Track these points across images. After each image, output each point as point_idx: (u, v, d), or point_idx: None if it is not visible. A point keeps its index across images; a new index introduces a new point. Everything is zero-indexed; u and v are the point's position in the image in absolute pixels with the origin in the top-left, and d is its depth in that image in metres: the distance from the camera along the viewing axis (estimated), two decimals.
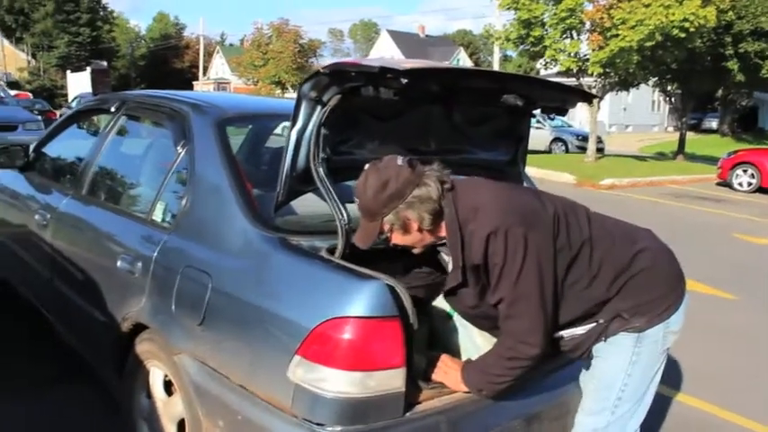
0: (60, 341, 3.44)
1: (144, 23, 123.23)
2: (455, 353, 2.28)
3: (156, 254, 2.43)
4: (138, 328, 2.50)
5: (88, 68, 32.11)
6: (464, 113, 2.57)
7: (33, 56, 50.75)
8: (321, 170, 2.12)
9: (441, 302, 2.35)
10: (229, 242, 2.21)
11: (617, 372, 1.99)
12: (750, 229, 9.91)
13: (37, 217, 3.36)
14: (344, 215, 2.08)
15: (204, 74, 52.87)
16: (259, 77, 34.19)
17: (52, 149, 3.87)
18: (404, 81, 1.89)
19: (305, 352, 1.82)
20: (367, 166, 1.97)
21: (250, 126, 3.07)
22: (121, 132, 3.24)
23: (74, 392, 3.29)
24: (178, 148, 2.64)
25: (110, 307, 2.69)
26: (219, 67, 64.16)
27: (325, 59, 43.69)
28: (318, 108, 2.12)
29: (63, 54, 49.55)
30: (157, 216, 2.61)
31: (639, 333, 1.96)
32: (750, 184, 14.87)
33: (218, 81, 56.48)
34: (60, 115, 23.41)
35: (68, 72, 35.08)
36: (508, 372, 1.92)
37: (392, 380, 1.85)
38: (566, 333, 2.00)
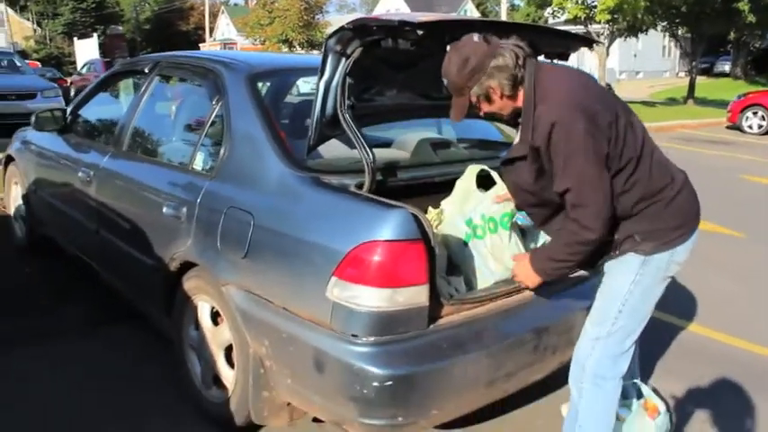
0: (105, 288, 3.75)
1: None
2: (471, 277, 2.54)
3: (199, 198, 2.69)
4: (185, 266, 2.79)
5: (95, 35, 32.13)
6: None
7: (38, 24, 50.63)
8: (347, 116, 2.38)
9: (457, 231, 2.60)
10: (268, 184, 2.47)
11: (621, 288, 2.22)
12: (758, 170, 10.06)
13: (80, 174, 3.63)
14: (370, 155, 2.33)
15: (210, 35, 52.62)
16: (266, 36, 34.05)
17: (89, 111, 4.12)
18: (419, 33, 2.12)
19: (341, 273, 2.10)
20: (449, 47, 2.11)
21: (277, 79, 3.29)
22: (157, 91, 3.48)
23: (117, 333, 3.63)
24: (213, 102, 2.89)
25: (157, 250, 2.97)
26: (225, 27, 63.71)
27: (330, 16, 43.44)
28: (343, 60, 2.37)
29: (68, 21, 49.38)
30: (197, 165, 2.87)
31: (646, 256, 2.17)
32: (760, 126, 14.92)
33: (224, 42, 56.12)
34: (71, 83, 23.68)
35: (75, 39, 35.06)
36: (570, 257, 2.11)
37: (417, 295, 2.13)
38: None
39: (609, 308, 2.27)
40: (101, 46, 30.69)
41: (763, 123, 14.90)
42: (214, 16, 61.06)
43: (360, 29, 2.28)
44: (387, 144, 3.14)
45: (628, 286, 2.21)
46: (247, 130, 2.64)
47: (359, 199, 2.26)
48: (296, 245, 2.27)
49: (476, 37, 2.09)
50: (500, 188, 2.52)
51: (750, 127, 15.06)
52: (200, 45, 51.64)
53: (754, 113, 15.07)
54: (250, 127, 2.63)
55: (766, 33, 30.99)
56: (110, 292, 3.72)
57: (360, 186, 2.35)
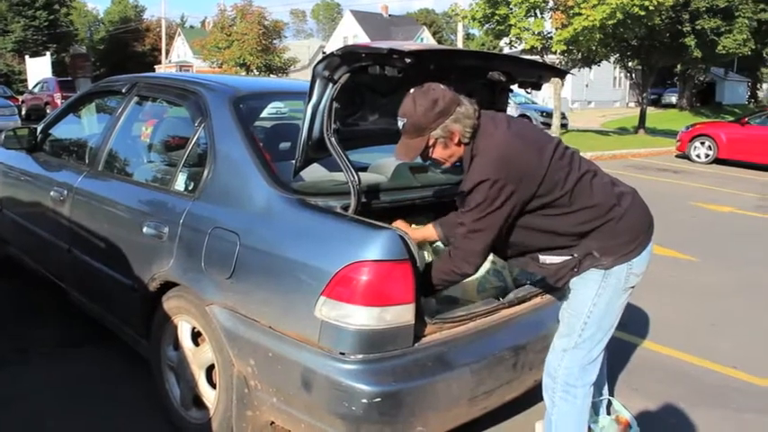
0: (75, 308, 3.69)
1: (102, 6, 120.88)
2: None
3: (182, 219, 2.70)
4: (165, 286, 2.79)
5: (47, 53, 31.55)
6: (453, 89, 2.90)
7: None
8: (333, 139, 2.44)
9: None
10: (254, 205, 2.51)
11: (585, 301, 2.36)
12: (707, 197, 10.45)
13: (53, 193, 3.59)
14: (356, 177, 2.40)
15: (166, 57, 52.10)
16: (223, 60, 34.01)
17: (62, 131, 4.09)
18: (408, 61, 2.21)
19: (330, 293, 2.15)
20: (411, 90, 2.24)
21: (260, 102, 3.33)
22: (135, 112, 3.48)
23: (87, 354, 3.58)
24: (195, 124, 2.91)
25: (136, 270, 2.95)
26: (181, 49, 63.24)
27: (287, 41, 43.61)
28: (330, 85, 2.44)
29: (19, 38, 48.33)
30: (179, 186, 2.88)
31: (606, 270, 2.32)
32: (707, 155, 15.49)
33: (180, 64, 55.68)
34: (22, 101, 23.15)
35: (27, 57, 34.38)
36: (442, 283, 2.35)
37: (404, 314, 2.19)
38: (542, 256, 2.35)
39: (575, 321, 2.40)
40: (60, 64, 30.04)
41: (710, 153, 15.47)
42: (170, 38, 60.63)
43: (348, 56, 2.35)
44: (362, 168, 3.20)
45: (592, 299, 2.35)
46: (232, 152, 2.68)
47: (346, 220, 2.31)
48: (283, 265, 2.30)
49: (441, 85, 2.24)
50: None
51: (698, 156, 15.62)
52: (156, 67, 51.16)
53: (702, 143, 15.64)
54: (235, 149, 2.67)
55: (710, 68, 32.38)
56: (79, 312, 3.67)
57: (345, 208, 2.41)
